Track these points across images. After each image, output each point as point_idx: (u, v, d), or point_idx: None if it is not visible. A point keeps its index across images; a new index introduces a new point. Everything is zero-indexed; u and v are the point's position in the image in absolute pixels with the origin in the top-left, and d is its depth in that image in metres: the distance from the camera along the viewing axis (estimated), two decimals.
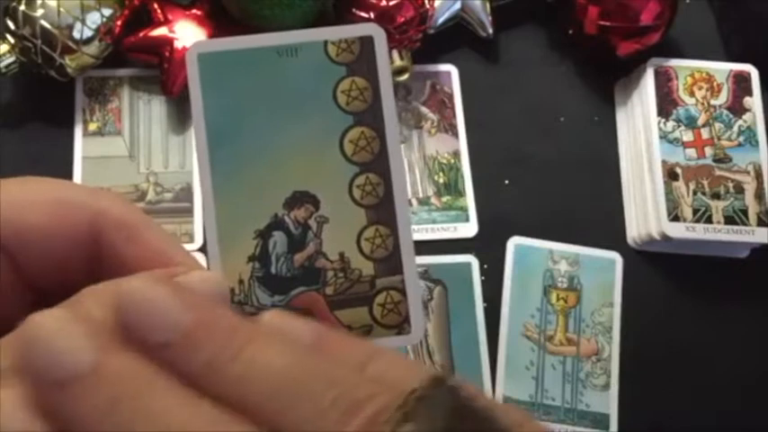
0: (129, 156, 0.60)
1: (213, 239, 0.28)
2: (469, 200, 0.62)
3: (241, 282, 0.29)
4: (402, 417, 0.19)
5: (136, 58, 0.62)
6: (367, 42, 0.29)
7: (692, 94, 0.63)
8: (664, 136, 0.62)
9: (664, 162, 0.61)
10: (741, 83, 0.64)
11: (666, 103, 0.62)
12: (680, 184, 0.61)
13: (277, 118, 0.29)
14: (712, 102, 0.63)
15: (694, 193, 0.60)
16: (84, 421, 0.19)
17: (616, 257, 0.61)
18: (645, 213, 0.61)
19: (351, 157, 0.29)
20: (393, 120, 0.29)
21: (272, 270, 0.29)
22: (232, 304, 0.28)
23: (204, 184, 0.29)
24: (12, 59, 0.57)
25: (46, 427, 0.19)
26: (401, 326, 0.29)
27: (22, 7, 0.57)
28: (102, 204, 0.27)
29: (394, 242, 0.29)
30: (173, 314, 0.21)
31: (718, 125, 0.63)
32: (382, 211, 0.29)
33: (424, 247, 0.59)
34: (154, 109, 0.62)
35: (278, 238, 0.29)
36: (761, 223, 0.60)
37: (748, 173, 0.61)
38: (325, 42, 0.29)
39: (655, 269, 0.62)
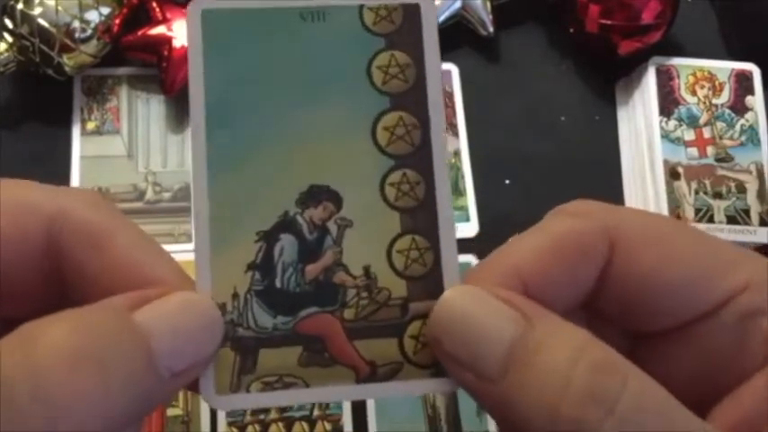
0: (127, 155, 0.60)
1: (203, 239, 0.23)
2: (470, 199, 0.61)
3: (235, 296, 0.23)
4: None
5: (134, 56, 0.61)
6: (412, 11, 0.24)
7: (693, 93, 0.63)
8: (665, 135, 0.61)
9: (665, 161, 0.61)
10: (743, 82, 0.63)
11: (668, 102, 0.62)
12: (681, 184, 0.60)
13: (295, 94, 0.24)
14: (714, 101, 0.63)
15: (696, 192, 0.60)
16: None
17: None
18: None
19: (385, 147, 0.24)
20: (439, 105, 0.24)
21: (277, 283, 0.23)
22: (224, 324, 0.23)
23: (197, 170, 0.23)
24: (9, 58, 0.57)
25: None
26: (438, 366, 0.23)
27: (20, 5, 0.56)
28: (61, 205, 0.22)
29: (434, 257, 0.23)
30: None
31: (719, 124, 0.62)
32: (421, 217, 0.24)
33: None
34: (152, 108, 0.61)
35: (286, 242, 0.23)
36: (763, 223, 0.60)
37: (750, 172, 0.61)
38: (361, 7, 0.24)
39: None
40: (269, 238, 0.23)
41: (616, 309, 0.24)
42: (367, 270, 0.23)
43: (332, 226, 0.23)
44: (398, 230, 0.23)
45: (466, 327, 0.22)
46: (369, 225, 0.23)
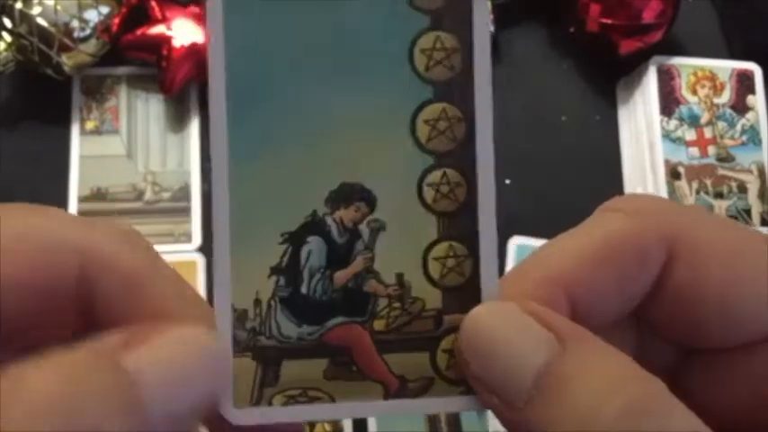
0: (126, 155, 0.60)
1: (223, 241, 0.21)
2: None
3: (257, 302, 0.21)
4: None
5: (133, 56, 0.61)
6: None
7: (694, 93, 0.63)
8: (666, 135, 0.61)
9: (666, 161, 0.60)
10: (744, 81, 0.63)
11: (669, 102, 0.62)
12: (682, 184, 0.60)
13: (326, 79, 0.21)
14: (715, 100, 0.63)
15: (697, 192, 0.60)
16: None
17: None
18: None
19: (425, 143, 0.21)
20: (487, 98, 0.21)
21: (303, 289, 0.21)
22: (241, 332, 0.21)
23: (217, 164, 0.21)
24: (8, 57, 0.57)
25: None
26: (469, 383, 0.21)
27: (19, 5, 0.56)
28: (94, 242, 0.21)
29: (473, 266, 0.21)
30: None
31: (720, 124, 0.62)
32: (461, 222, 0.21)
33: None
34: (152, 107, 0.61)
35: (314, 245, 0.21)
36: (764, 223, 0.59)
37: (751, 172, 0.61)
38: None
39: None
40: (295, 239, 0.21)
41: (668, 321, 0.22)
42: (400, 278, 0.21)
43: (364, 229, 0.21)
44: (435, 236, 0.21)
45: (493, 348, 0.20)
46: (403, 229, 0.21)
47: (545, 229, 0.60)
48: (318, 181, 0.21)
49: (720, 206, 0.60)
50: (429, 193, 0.21)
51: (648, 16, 0.61)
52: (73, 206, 0.57)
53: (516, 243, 0.60)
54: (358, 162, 0.21)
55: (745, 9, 0.67)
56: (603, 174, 0.63)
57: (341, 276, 0.21)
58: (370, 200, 0.21)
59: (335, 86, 0.21)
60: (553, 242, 0.22)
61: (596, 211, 0.22)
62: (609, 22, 0.61)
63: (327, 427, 0.53)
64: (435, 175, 0.21)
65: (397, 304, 0.21)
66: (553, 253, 0.21)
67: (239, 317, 0.21)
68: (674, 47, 0.65)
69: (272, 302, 0.21)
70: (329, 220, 0.21)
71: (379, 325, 0.21)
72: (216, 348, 0.20)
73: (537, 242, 0.60)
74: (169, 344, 0.19)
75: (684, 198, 0.60)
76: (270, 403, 0.21)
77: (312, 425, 0.52)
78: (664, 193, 0.60)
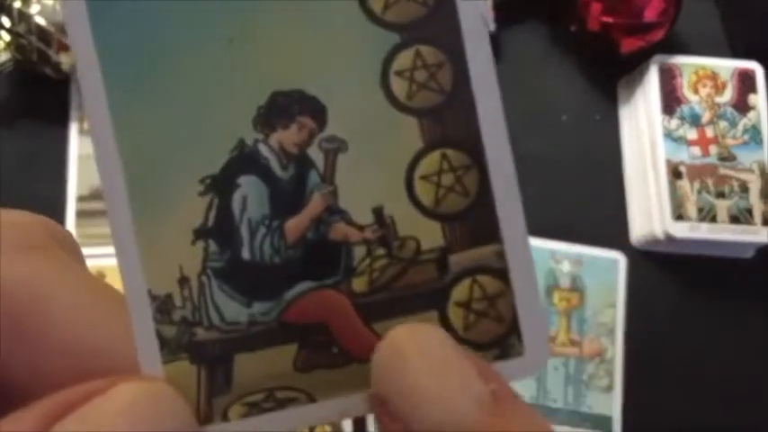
0: None
1: (120, 205, 0.15)
2: None
3: (184, 281, 0.15)
4: None
5: None
6: None
7: (696, 92, 0.62)
8: (668, 134, 0.61)
9: (668, 161, 0.60)
10: (746, 80, 0.63)
11: (670, 101, 0.62)
12: (684, 183, 0.60)
13: None
14: (717, 99, 0.62)
15: (699, 192, 0.60)
16: None
17: (619, 257, 0.60)
18: (648, 212, 0.60)
19: (382, 14, 0.15)
20: None
21: (245, 253, 0.15)
22: (168, 327, 0.15)
23: (92, 97, 0.15)
24: (7, 56, 0.57)
25: None
26: (505, 341, 0.16)
27: (17, 4, 0.56)
28: None
29: (478, 179, 0.16)
30: None
31: (722, 123, 0.62)
32: (452, 119, 0.15)
33: None
34: None
35: (250, 188, 0.15)
36: (766, 222, 0.59)
37: (753, 171, 0.61)
38: None
39: (658, 269, 0.62)
40: (221, 185, 0.15)
41: None
42: (379, 213, 0.15)
43: (315, 153, 0.15)
44: (420, 145, 0.15)
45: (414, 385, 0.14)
46: (372, 143, 0.15)
47: (546, 229, 0.60)
48: (240, 97, 0.15)
49: (722, 206, 0.59)
50: (400, 85, 0.15)
51: (650, 15, 0.61)
52: (71, 206, 0.57)
53: None
54: (291, 60, 0.15)
55: (747, 8, 0.67)
56: (604, 173, 0.63)
57: (295, 226, 0.15)
58: (317, 110, 0.15)
59: None
60: None
61: None
62: (610, 20, 0.61)
63: (327, 427, 0.52)
64: (405, 58, 0.15)
65: (380, 251, 0.15)
66: None
67: (162, 307, 0.15)
68: (675, 46, 0.64)
69: (204, 278, 0.15)
70: (264, 149, 0.15)
71: (360, 284, 0.15)
72: (181, 405, 0.14)
73: (538, 242, 0.60)
74: (115, 407, 0.13)
75: (686, 197, 0.59)
76: (225, 418, 0.15)
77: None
78: (665, 192, 0.59)
